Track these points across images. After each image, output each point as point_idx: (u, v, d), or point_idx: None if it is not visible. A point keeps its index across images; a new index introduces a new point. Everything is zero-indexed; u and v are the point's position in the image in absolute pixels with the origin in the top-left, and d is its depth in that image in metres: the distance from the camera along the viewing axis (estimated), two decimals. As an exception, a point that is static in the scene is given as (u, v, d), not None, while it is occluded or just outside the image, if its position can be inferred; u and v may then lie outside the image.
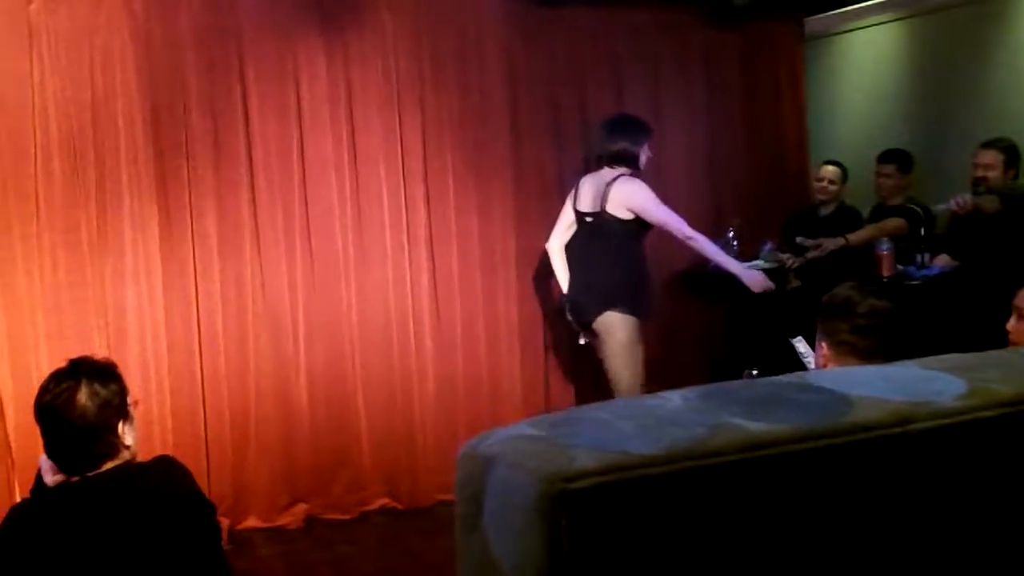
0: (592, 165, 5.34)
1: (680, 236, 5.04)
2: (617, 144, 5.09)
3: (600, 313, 5.03)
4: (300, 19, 5.21)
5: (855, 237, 5.65)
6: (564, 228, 5.24)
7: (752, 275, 5.19)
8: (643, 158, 5.17)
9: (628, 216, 4.99)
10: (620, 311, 5.00)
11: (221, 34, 5.04)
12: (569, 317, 5.31)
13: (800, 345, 3.10)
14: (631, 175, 5.05)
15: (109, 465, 2.43)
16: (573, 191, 5.24)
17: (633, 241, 5.08)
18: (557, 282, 5.45)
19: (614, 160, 5.08)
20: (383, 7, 5.40)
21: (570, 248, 5.23)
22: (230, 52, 5.06)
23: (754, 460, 0.84)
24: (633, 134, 5.15)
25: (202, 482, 4.53)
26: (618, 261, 5.04)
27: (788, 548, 0.87)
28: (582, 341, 5.33)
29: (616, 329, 5.01)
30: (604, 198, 4.98)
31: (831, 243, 5.60)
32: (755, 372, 3.07)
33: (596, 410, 0.92)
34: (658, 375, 6.09)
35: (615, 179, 5.00)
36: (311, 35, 5.23)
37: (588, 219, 5.09)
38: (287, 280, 5.21)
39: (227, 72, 5.06)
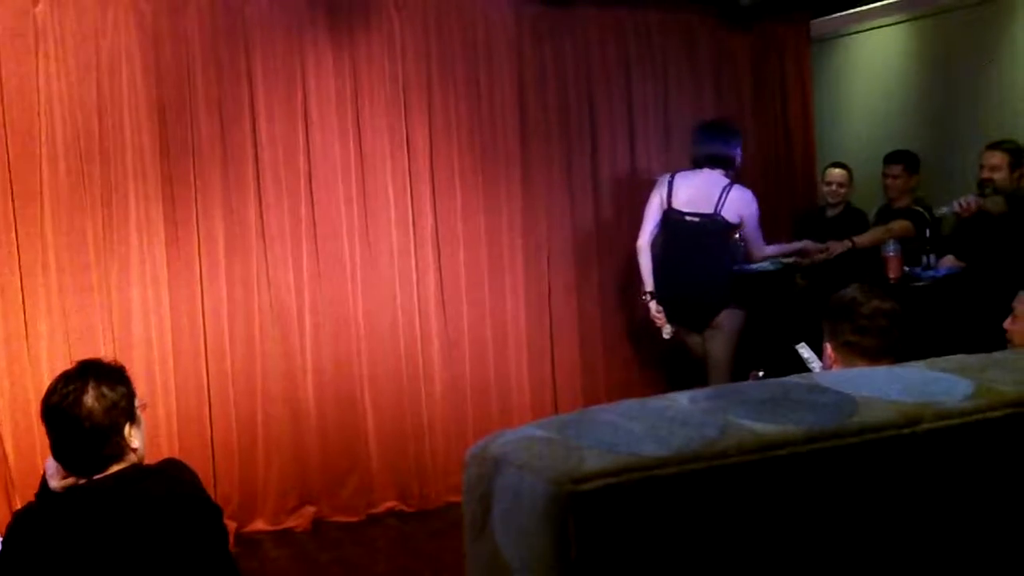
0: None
1: (758, 252, 5.37)
2: (714, 146, 5.33)
3: (722, 309, 5.28)
4: (308, 20, 5.22)
5: (861, 239, 5.64)
6: (653, 227, 5.38)
7: (809, 244, 5.61)
8: (738, 159, 5.45)
9: (736, 221, 5.23)
10: (734, 306, 5.32)
11: (229, 34, 5.05)
12: (656, 312, 5.40)
13: (804, 351, 3.10)
14: (739, 182, 5.34)
15: (116, 468, 2.43)
16: (665, 190, 5.32)
17: (730, 242, 5.36)
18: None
19: (712, 162, 5.30)
20: (391, 7, 5.40)
21: (668, 246, 5.37)
22: (238, 53, 5.07)
23: (763, 461, 0.84)
24: (727, 136, 5.42)
25: (208, 485, 4.54)
26: (727, 261, 5.32)
27: (797, 548, 0.87)
28: (667, 335, 5.47)
29: (735, 322, 5.33)
30: (721, 202, 5.17)
31: (838, 246, 5.60)
32: (762, 373, 3.06)
33: (604, 411, 0.93)
34: (667, 376, 6.13)
35: (731, 185, 5.23)
36: (319, 36, 5.24)
37: (692, 219, 5.24)
38: (294, 281, 5.22)
39: (235, 73, 5.07)
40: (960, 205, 5.01)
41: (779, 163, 6.57)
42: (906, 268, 5.37)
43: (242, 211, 5.10)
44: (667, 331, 5.45)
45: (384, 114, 5.39)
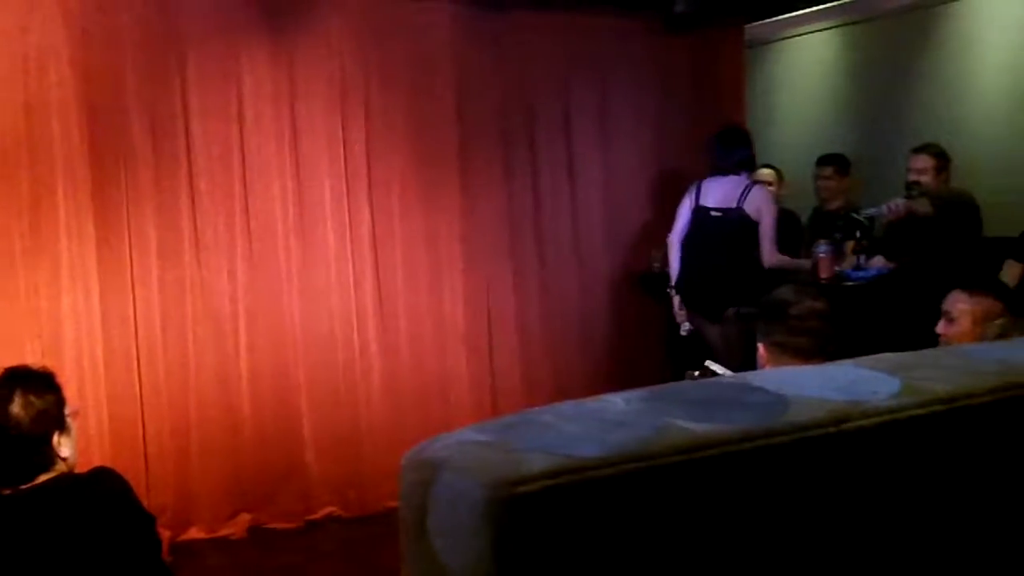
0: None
1: (768, 255, 5.53)
2: (737, 153, 5.65)
3: (740, 302, 5.35)
4: (243, 20, 5.15)
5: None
6: (683, 225, 5.69)
7: (805, 263, 5.72)
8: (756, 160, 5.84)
9: (756, 217, 5.49)
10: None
11: (161, 34, 4.97)
12: (679, 308, 5.70)
13: (715, 367, 3.11)
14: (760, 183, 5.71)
15: (44, 477, 2.38)
16: (695, 192, 5.65)
17: (754, 239, 5.54)
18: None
19: (738, 168, 5.61)
20: (328, 9, 5.36)
21: (694, 239, 5.65)
22: (170, 52, 4.99)
23: (697, 461, 0.85)
24: (744, 142, 5.74)
25: (142, 493, 4.44)
26: (750, 256, 5.53)
27: (732, 547, 0.88)
28: (684, 332, 5.72)
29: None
30: (743, 198, 5.50)
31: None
32: (697, 373, 3.09)
33: (542, 413, 0.93)
34: (607, 377, 6.17)
35: (752, 184, 5.58)
36: (254, 36, 5.18)
37: (716, 214, 5.56)
38: (228, 285, 5.15)
39: (167, 73, 4.99)
40: (889, 208, 5.13)
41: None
42: (837, 268, 5.46)
43: (175, 214, 5.02)
44: (685, 328, 5.71)
45: (321, 115, 5.35)
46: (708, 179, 5.69)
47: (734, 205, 5.51)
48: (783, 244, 5.99)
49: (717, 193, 5.59)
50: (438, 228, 5.70)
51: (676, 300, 5.70)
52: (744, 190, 5.51)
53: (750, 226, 5.49)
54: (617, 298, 6.30)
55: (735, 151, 5.65)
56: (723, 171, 5.67)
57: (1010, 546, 1.06)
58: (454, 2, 5.72)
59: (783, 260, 5.54)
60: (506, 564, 0.77)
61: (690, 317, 5.68)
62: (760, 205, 5.50)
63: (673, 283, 5.73)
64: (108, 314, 4.88)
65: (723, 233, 5.53)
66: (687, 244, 5.69)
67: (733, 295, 5.40)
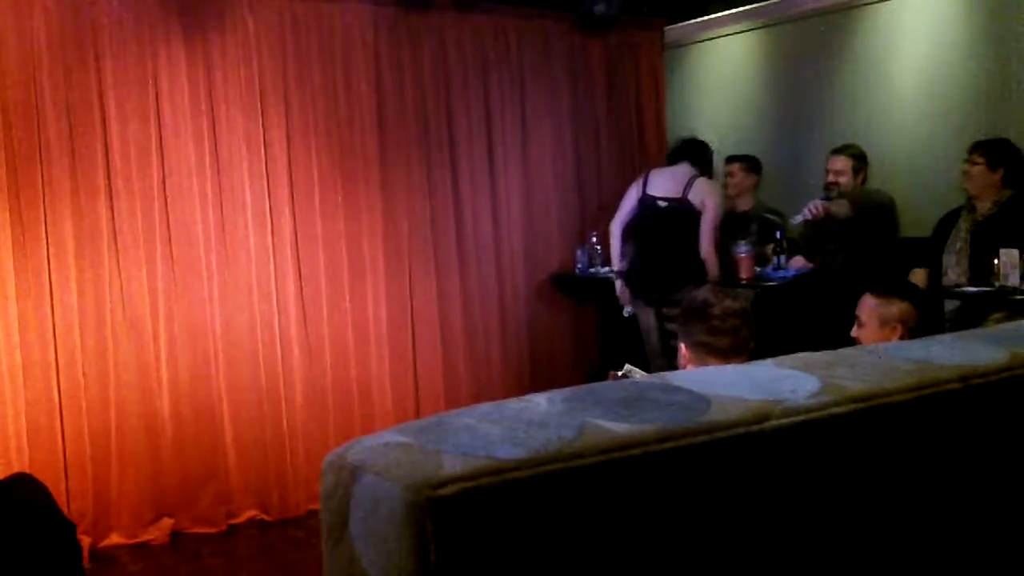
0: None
1: (706, 244, 5.62)
2: (687, 146, 5.87)
3: (681, 287, 5.40)
4: (159, 19, 5.07)
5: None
6: (625, 214, 5.87)
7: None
8: (710, 165, 5.94)
9: (700, 208, 5.62)
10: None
11: (76, 34, 4.87)
12: (623, 291, 5.87)
13: (636, 371, 3.13)
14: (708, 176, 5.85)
15: (-42, 484, 2.32)
16: (642, 181, 5.81)
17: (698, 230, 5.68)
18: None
19: (684, 155, 5.82)
20: (245, 8, 5.30)
21: (640, 226, 5.82)
22: (86, 52, 4.89)
23: (618, 461, 0.86)
24: (700, 146, 5.89)
25: (61, 500, 4.37)
26: (694, 245, 5.63)
27: (653, 547, 0.88)
28: (626, 314, 5.93)
29: None
30: (687, 188, 5.66)
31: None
32: (619, 373, 3.10)
33: (462, 415, 0.93)
34: (530, 377, 6.19)
35: (698, 175, 5.73)
36: (171, 36, 5.10)
37: (663, 203, 5.72)
38: (148, 288, 5.06)
39: (83, 73, 4.88)
40: (810, 211, 5.22)
41: (633, 165, 6.68)
42: (757, 268, 5.55)
43: (93, 216, 4.92)
44: (627, 310, 5.90)
45: (240, 116, 5.28)
46: (655, 169, 5.91)
47: (679, 195, 5.66)
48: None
49: (664, 183, 5.74)
50: (360, 229, 5.67)
51: (618, 284, 5.86)
52: (689, 181, 5.66)
53: (695, 216, 5.62)
54: (539, 298, 6.34)
55: (684, 145, 5.89)
56: (670, 160, 5.92)
57: (926, 540, 1.09)
58: (373, 2, 5.70)
59: (713, 260, 5.60)
60: (426, 566, 0.77)
61: (632, 301, 5.82)
62: (704, 197, 5.63)
63: (615, 268, 5.88)
64: (25, 317, 4.77)
65: (669, 221, 5.67)
66: (635, 232, 5.84)
67: (676, 282, 5.51)
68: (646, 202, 5.77)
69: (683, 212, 5.63)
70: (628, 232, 5.87)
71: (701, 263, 5.60)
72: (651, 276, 5.72)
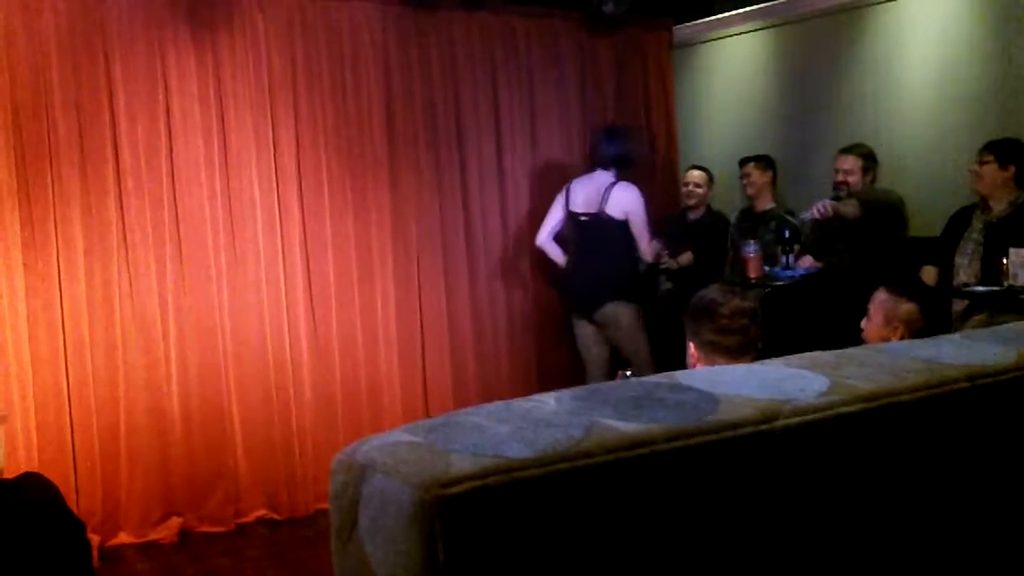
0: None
1: (644, 246, 5.72)
2: (604, 149, 5.76)
3: (606, 300, 5.68)
4: (168, 18, 5.08)
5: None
6: (551, 227, 5.88)
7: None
8: (634, 158, 5.88)
9: (622, 217, 5.64)
10: (624, 300, 5.69)
11: (86, 34, 4.87)
12: (564, 302, 6.00)
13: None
14: (628, 180, 5.73)
15: (-31, 483, 2.33)
16: (564, 195, 5.82)
17: (627, 239, 5.69)
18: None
19: (603, 164, 5.74)
20: (255, 7, 5.30)
21: (569, 244, 5.85)
22: (96, 52, 4.90)
23: (627, 460, 0.86)
24: (619, 139, 5.81)
25: (70, 499, 4.38)
26: (618, 256, 5.69)
27: (662, 545, 0.88)
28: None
29: (627, 316, 5.71)
30: (604, 200, 5.63)
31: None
32: (628, 373, 3.11)
33: (471, 414, 0.93)
34: (538, 377, 6.19)
35: (615, 184, 5.67)
36: (180, 35, 5.11)
37: (584, 219, 5.70)
38: (157, 286, 5.07)
39: (93, 72, 4.89)
40: (819, 210, 5.20)
41: (642, 165, 6.67)
42: (766, 268, 5.53)
43: (102, 214, 4.93)
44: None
45: (249, 115, 5.28)
46: (575, 180, 5.87)
47: (595, 209, 5.67)
48: (718, 245, 6.07)
49: (583, 194, 5.75)
50: (368, 228, 5.67)
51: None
52: (606, 191, 5.65)
53: (615, 227, 5.64)
54: (548, 298, 6.32)
55: (602, 147, 5.79)
56: (590, 167, 5.85)
57: (935, 538, 1.09)
58: (382, 1, 5.70)
59: (651, 254, 5.75)
60: (435, 564, 0.77)
61: (568, 312, 5.95)
62: (624, 205, 5.64)
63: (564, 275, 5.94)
64: (35, 316, 4.78)
65: (592, 237, 5.70)
66: (568, 247, 5.86)
67: (598, 295, 5.66)
68: (570, 218, 5.79)
69: (601, 225, 5.65)
70: (560, 241, 5.90)
71: (630, 271, 5.72)
72: (581, 287, 5.78)
